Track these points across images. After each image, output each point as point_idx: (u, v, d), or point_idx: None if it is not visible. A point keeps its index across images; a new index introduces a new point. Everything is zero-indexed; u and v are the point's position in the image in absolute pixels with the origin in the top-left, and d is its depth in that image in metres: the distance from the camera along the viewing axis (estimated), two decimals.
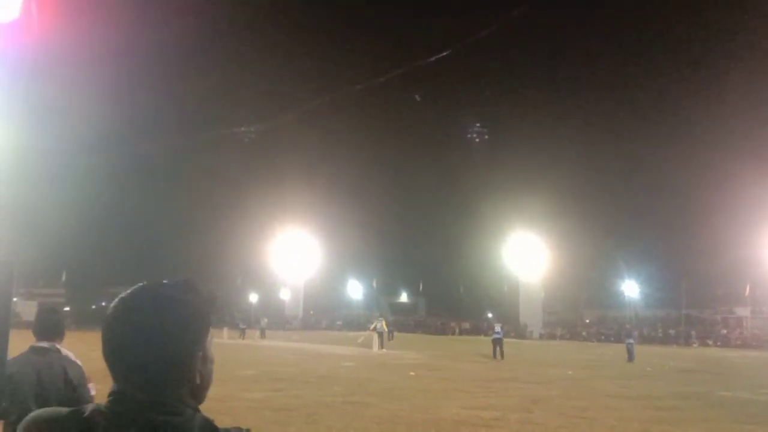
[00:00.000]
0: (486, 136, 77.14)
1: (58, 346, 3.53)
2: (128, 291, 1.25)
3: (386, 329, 34.68)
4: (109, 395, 1.21)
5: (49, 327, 3.56)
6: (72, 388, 3.36)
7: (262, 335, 45.00)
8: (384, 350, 31.41)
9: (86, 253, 66.52)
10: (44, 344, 3.49)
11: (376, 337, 33.24)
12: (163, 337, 1.19)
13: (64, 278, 73.27)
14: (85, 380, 3.48)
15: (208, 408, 1.25)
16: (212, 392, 1.32)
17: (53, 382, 3.33)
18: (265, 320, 49.77)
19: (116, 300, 1.25)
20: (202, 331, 1.25)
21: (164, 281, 1.27)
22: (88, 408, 1.20)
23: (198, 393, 1.26)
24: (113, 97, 50.70)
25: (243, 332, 43.42)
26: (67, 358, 3.49)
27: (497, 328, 28.93)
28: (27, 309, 51.05)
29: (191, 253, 65.76)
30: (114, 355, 1.21)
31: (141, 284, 1.26)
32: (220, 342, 36.47)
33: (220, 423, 1.25)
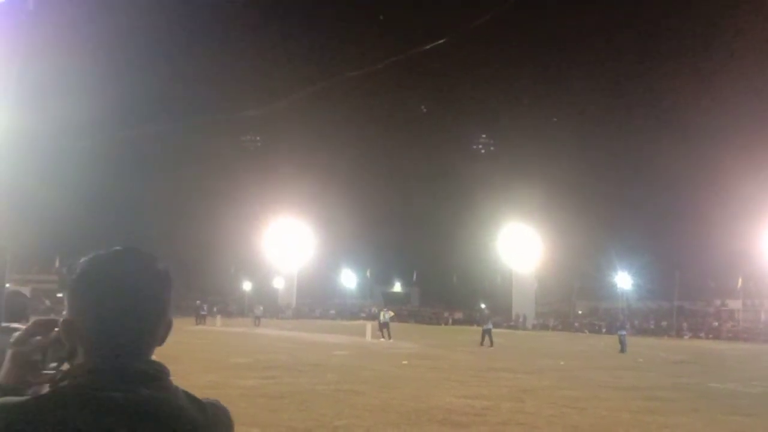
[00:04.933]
0: (482, 131, 77.20)
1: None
2: (101, 252, 1.16)
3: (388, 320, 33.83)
4: (78, 368, 1.10)
5: (16, 309, 3.69)
6: None
7: (257, 323, 44.99)
8: (374, 340, 31.14)
9: (80, 240, 66.25)
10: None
11: (370, 326, 33.26)
12: (149, 298, 1.13)
13: (57, 264, 73.06)
14: None
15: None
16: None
17: None
18: (261, 308, 49.73)
19: (90, 259, 1.15)
20: (171, 292, 1.19)
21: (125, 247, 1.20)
22: (51, 390, 1.08)
23: None
24: (108, 81, 50.46)
25: (203, 318, 42.82)
26: None
27: (489, 324, 31.53)
28: None
29: (185, 241, 65.68)
30: (91, 316, 1.10)
31: (110, 248, 1.18)
32: (211, 329, 36.50)
33: None
